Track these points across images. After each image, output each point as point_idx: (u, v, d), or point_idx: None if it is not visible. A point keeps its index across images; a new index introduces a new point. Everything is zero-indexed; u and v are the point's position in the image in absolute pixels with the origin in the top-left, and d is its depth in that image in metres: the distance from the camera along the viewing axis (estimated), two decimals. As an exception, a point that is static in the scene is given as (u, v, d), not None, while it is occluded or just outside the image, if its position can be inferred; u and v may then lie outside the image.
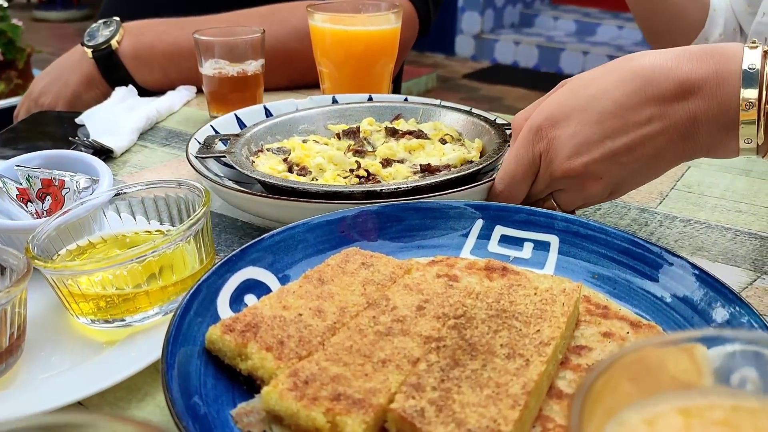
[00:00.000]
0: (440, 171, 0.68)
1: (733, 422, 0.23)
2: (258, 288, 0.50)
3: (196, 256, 0.52)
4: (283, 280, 0.51)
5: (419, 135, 0.75)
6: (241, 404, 0.41)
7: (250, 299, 0.48)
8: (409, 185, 0.62)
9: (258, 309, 0.45)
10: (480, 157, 0.71)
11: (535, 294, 0.46)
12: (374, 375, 0.39)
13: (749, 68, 0.51)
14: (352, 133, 0.76)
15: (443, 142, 0.74)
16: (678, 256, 0.50)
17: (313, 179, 0.68)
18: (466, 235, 0.57)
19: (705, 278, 0.48)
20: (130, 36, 1.05)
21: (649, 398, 0.24)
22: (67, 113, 0.99)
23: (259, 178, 0.65)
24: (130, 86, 1.02)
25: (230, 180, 0.68)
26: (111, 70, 1.04)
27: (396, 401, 0.37)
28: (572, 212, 0.61)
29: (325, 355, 0.41)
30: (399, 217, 0.57)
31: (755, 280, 0.58)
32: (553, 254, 0.55)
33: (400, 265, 0.51)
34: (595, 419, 0.22)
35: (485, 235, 0.57)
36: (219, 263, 0.49)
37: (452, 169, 0.68)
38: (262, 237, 0.52)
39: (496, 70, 5.03)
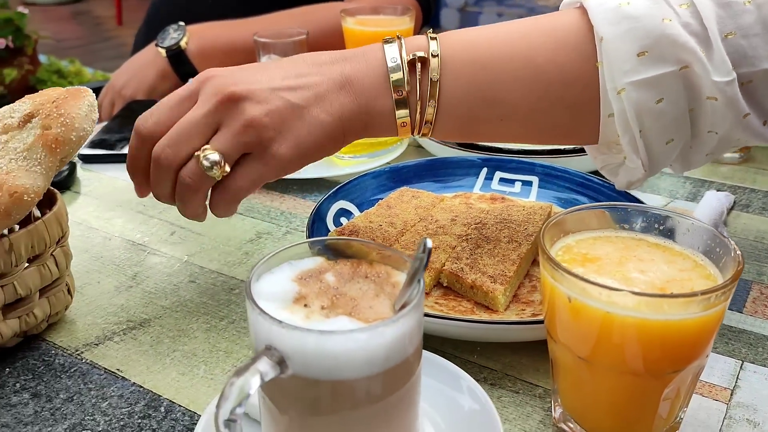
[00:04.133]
0: None
1: (613, 241, 0.51)
2: (346, 214, 0.78)
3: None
4: (360, 208, 0.79)
5: None
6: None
7: (343, 220, 0.76)
8: None
9: (354, 223, 0.73)
10: None
11: (524, 209, 0.74)
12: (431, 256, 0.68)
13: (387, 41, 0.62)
14: None
15: None
16: (611, 185, 0.78)
17: None
18: (476, 178, 0.85)
19: (627, 195, 0.76)
20: (195, 37, 1.31)
21: (577, 233, 0.52)
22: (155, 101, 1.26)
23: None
24: (200, 77, 1.28)
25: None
26: (180, 66, 1.30)
27: (446, 265, 0.65)
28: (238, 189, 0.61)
29: (399, 247, 0.69)
30: (432, 167, 0.85)
31: (669, 202, 0.87)
32: (534, 188, 0.83)
33: (436, 197, 0.79)
34: (550, 241, 0.50)
35: (489, 178, 0.85)
36: (322, 199, 0.76)
37: None
38: (346, 182, 0.79)
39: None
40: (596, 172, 0.88)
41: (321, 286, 0.46)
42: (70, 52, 5.24)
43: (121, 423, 0.54)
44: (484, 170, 0.85)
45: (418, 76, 0.60)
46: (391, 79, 0.60)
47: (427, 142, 0.97)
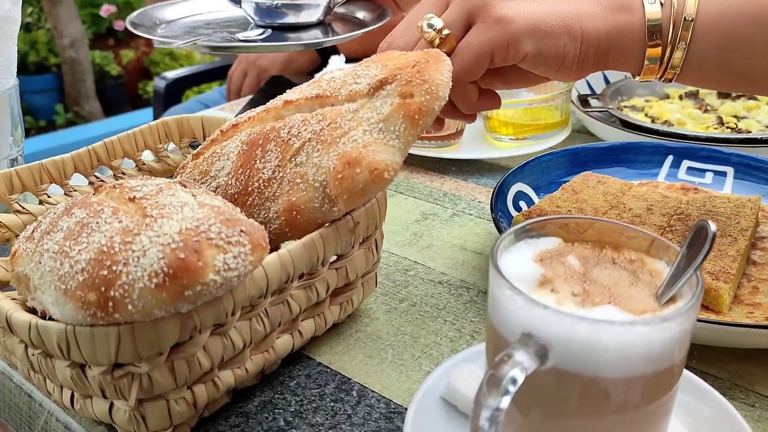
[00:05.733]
0: None
1: None
2: (524, 197, 0.72)
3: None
4: (537, 191, 0.73)
5: (751, 97, 0.96)
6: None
7: (522, 204, 0.71)
8: None
9: (540, 206, 0.67)
10: None
11: (729, 201, 0.67)
12: (633, 245, 0.61)
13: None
14: (693, 95, 0.99)
15: None
16: (829, 180, 0.70)
17: None
18: (660, 166, 0.78)
19: None
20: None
21: None
22: (296, 79, 1.24)
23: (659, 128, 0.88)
24: (341, 55, 1.25)
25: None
26: (319, 42, 1.28)
27: (654, 258, 0.59)
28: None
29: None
30: (612, 152, 0.78)
31: None
32: (729, 180, 0.75)
33: (624, 183, 0.72)
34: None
35: (675, 166, 0.77)
36: (501, 180, 0.71)
37: None
38: (523, 164, 0.74)
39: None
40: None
41: (566, 270, 0.41)
42: (177, 35, 5.38)
43: (314, 405, 0.50)
44: (670, 158, 0.78)
45: None
46: None
47: (595, 126, 0.90)
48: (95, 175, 0.63)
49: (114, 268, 0.38)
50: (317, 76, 0.57)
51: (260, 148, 0.51)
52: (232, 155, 0.53)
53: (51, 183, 0.61)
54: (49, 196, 0.61)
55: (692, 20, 0.54)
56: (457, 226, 0.74)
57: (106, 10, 3.67)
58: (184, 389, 0.45)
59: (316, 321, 0.53)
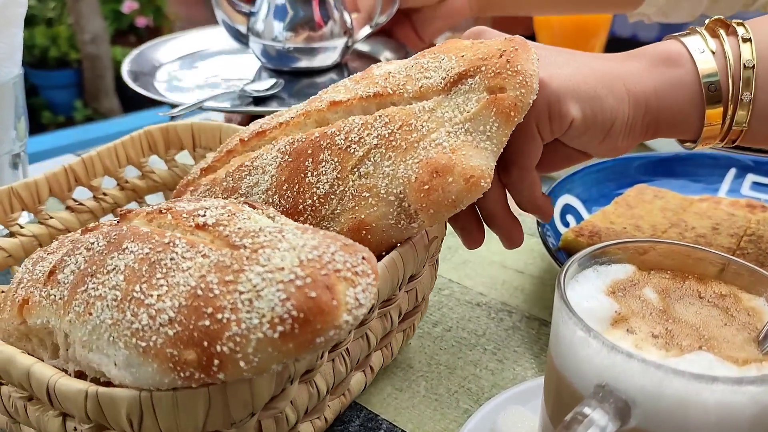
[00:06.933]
0: None
1: None
2: (572, 210, 0.65)
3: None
4: (586, 204, 0.66)
5: None
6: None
7: (570, 219, 0.64)
8: None
9: (592, 222, 0.60)
10: None
11: (805, 222, 0.60)
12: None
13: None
14: None
15: None
16: None
17: None
18: (721, 180, 0.70)
19: None
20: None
21: None
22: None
23: None
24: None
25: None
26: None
27: (725, 285, 0.52)
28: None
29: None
30: (667, 163, 0.71)
31: None
32: (800, 198, 0.68)
33: (684, 198, 0.65)
34: None
35: (738, 180, 0.70)
36: (548, 192, 0.64)
37: None
38: (571, 174, 0.67)
39: (615, 44, 4.98)
40: None
41: (643, 306, 0.34)
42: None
43: (335, 445, 0.44)
44: (732, 171, 0.71)
45: (723, 38, 0.47)
46: (688, 45, 0.47)
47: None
48: (73, 198, 0.55)
49: (218, 316, 0.30)
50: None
51: (310, 159, 0.43)
52: (269, 168, 0.45)
53: (22, 210, 0.52)
54: (21, 227, 0.52)
55: (753, 66, 0.45)
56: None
57: (128, 6, 3.65)
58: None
59: (383, 352, 0.47)
